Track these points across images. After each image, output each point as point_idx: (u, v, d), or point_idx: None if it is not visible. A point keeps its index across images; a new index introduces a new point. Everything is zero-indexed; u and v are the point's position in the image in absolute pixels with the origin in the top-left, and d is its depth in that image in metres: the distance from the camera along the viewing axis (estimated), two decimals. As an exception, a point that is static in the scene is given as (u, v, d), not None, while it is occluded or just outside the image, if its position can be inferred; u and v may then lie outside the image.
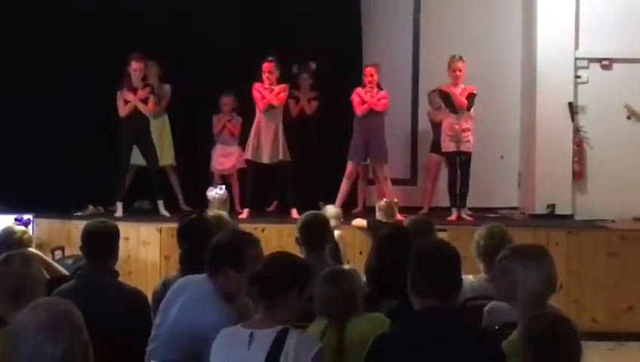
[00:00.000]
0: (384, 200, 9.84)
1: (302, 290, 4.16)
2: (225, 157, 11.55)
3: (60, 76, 11.50)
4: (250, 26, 11.87)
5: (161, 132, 11.48)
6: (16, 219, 8.93)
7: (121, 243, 5.73)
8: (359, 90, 11.01)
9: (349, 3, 12.39)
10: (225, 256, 4.61)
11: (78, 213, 10.84)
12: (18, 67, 11.57)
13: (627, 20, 11.83)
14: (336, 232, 8.46)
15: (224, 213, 7.38)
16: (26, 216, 9.22)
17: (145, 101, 10.87)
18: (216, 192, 9.45)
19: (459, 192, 10.99)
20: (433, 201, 11.96)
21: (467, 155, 10.95)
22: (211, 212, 7.46)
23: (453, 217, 10.84)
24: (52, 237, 9.99)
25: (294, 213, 10.67)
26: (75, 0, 11.57)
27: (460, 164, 10.98)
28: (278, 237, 9.76)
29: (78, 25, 11.52)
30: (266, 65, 10.82)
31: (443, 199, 11.80)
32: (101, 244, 5.46)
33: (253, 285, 4.18)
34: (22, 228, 7.55)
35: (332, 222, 7.90)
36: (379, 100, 11.00)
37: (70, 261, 8.63)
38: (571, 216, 11.73)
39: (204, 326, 4.42)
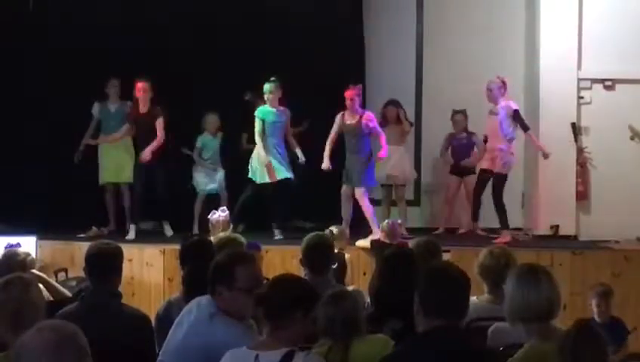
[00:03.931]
0: (386, 221, 9.83)
1: (307, 312, 4.16)
2: (210, 178, 11.60)
3: (62, 98, 11.57)
4: (247, 45, 11.89)
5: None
6: (6, 248, 8.72)
7: (125, 265, 5.73)
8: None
9: (351, 25, 12.41)
10: (216, 276, 4.65)
11: (82, 235, 10.84)
12: (21, 89, 11.65)
13: (630, 41, 11.86)
14: (347, 255, 8.54)
15: (235, 234, 7.38)
16: (15, 241, 9.04)
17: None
18: (219, 215, 9.44)
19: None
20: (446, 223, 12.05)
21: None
22: (222, 234, 7.45)
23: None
24: (55, 259, 9.99)
25: (277, 233, 10.88)
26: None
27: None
28: (281, 258, 9.75)
29: (78, 45, 11.63)
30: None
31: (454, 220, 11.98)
32: (104, 266, 5.46)
33: (258, 306, 4.19)
34: (25, 250, 7.55)
35: (339, 244, 7.92)
36: None
37: (73, 283, 8.64)
38: (575, 237, 11.72)
39: (210, 344, 4.46)
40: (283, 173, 10.84)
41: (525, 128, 10.91)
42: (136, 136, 11.22)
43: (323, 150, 10.87)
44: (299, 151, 10.95)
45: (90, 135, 11.58)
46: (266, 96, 10.84)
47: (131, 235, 10.89)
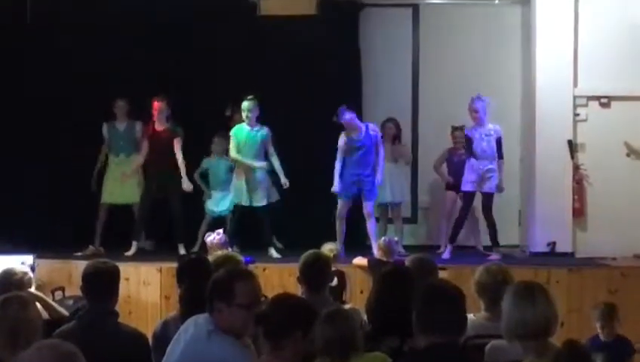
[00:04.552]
0: (383, 238, 9.84)
1: (307, 332, 4.17)
2: (217, 201, 11.59)
3: (58, 118, 11.63)
4: (247, 65, 11.93)
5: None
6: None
7: (122, 284, 5.73)
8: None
9: (347, 43, 12.45)
10: (215, 291, 4.63)
11: (79, 254, 10.83)
12: (20, 104, 11.70)
13: (625, 58, 11.87)
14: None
15: (234, 252, 7.36)
16: (29, 262, 9.17)
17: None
18: (214, 237, 9.46)
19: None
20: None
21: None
22: (220, 252, 7.44)
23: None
24: (52, 277, 9.97)
25: (272, 251, 10.91)
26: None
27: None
28: (279, 276, 9.75)
29: (77, 70, 11.68)
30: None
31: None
32: (102, 285, 5.45)
33: (258, 325, 4.19)
34: (23, 269, 7.54)
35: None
36: None
37: (70, 301, 8.62)
38: (572, 254, 11.71)
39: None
40: (258, 200, 10.88)
41: (501, 156, 11.09)
42: (151, 154, 11.18)
43: (320, 167, 10.95)
44: (281, 175, 10.89)
45: (103, 159, 11.66)
46: (244, 115, 10.79)
47: (132, 251, 10.91)
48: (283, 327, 4.11)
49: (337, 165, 10.81)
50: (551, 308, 4.37)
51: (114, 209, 11.54)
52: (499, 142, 11.08)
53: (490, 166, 11.04)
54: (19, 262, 8.50)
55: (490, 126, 11.08)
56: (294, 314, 4.17)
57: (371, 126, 10.98)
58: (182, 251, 10.96)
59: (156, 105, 11.00)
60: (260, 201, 10.87)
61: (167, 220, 11.24)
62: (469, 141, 11.14)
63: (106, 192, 11.52)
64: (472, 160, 11.09)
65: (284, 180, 10.86)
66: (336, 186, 10.77)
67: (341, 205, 10.89)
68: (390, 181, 11.62)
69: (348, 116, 10.74)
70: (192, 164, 11.50)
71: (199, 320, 4.71)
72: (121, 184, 11.40)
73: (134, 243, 11.02)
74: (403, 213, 12.12)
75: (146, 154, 11.21)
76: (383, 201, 11.75)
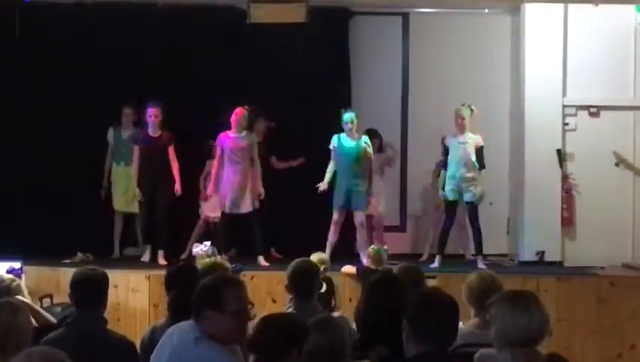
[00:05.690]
0: (372, 247, 9.84)
1: (301, 349, 4.16)
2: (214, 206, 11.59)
3: (48, 124, 11.59)
4: (237, 72, 11.94)
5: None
6: (8, 271, 8.88)
7: (110, 291, 5.71)
8: None
9: (337, 52, 12.48)
10: (203, 298, 4.60)
11: (67, 261, 10.81)
12: (7, 116, 11.65)
13: (614, 68, 11.93)
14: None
15: (222, 260, 7.36)
16: (17, 266, 9.19)
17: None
18: (201, 249, 9.46)
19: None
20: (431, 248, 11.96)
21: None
22: (207, 259, 7.44)
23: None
24: (41, 284, 9.94)
25: (261, 260, 10.87)
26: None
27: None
28: (267, 284, 9.74)
29: (62, 74, 11.68)
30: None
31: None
32: (90, 292, 5.44)
33: (252, 351, 4.19)
34: (11, 275, 7.52)
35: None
36: None
37: (59, 309, 8.59)
38: (561, 263, 11.74)
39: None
40: (244, 206, 10.93)
41: (482, 166, 11.07)
42: (143, 160, 11.15)
43: (309, 173, 10.99)
44: (260, 186, 10.98)
45: (109, 165, 11.74)
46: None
47: (146, 257, 11.02)
48: (278, 349, 4.10)
49: (330, 165, 10.91)
50: (545, 316, 4.37)
51: (127, 216, 11.64)
52: (479, 151, 11.07)
53: (468, 175, 11.01)
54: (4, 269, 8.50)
55: (470, 134, 11.06)
56: (287, 334, 4.17)
57: (365, 137, 10.98)
58: (161, 259, 10.96)
59: (151, 111, 11.00)
60: (246, 208, 10.88)
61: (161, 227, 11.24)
62: (445, 149, 11.16)
63: (115, 201, 11.63)
64: (451, 168, 11.07)
65: (260, 190, 10.97)
66: (324, 183, 10.79)
67: (335, 215, 10.87)
68: (375, 192, 11.58)
69: (347, 116, 10.81)
70: (183, 169, 11.48)
71: (184, 327, 4.68)
72: (126, 193, 11.41)
73: (147, 249, 11.11)
74: (392, 222, 12.11)
75: (138, 160, 11.17)
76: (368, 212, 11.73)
